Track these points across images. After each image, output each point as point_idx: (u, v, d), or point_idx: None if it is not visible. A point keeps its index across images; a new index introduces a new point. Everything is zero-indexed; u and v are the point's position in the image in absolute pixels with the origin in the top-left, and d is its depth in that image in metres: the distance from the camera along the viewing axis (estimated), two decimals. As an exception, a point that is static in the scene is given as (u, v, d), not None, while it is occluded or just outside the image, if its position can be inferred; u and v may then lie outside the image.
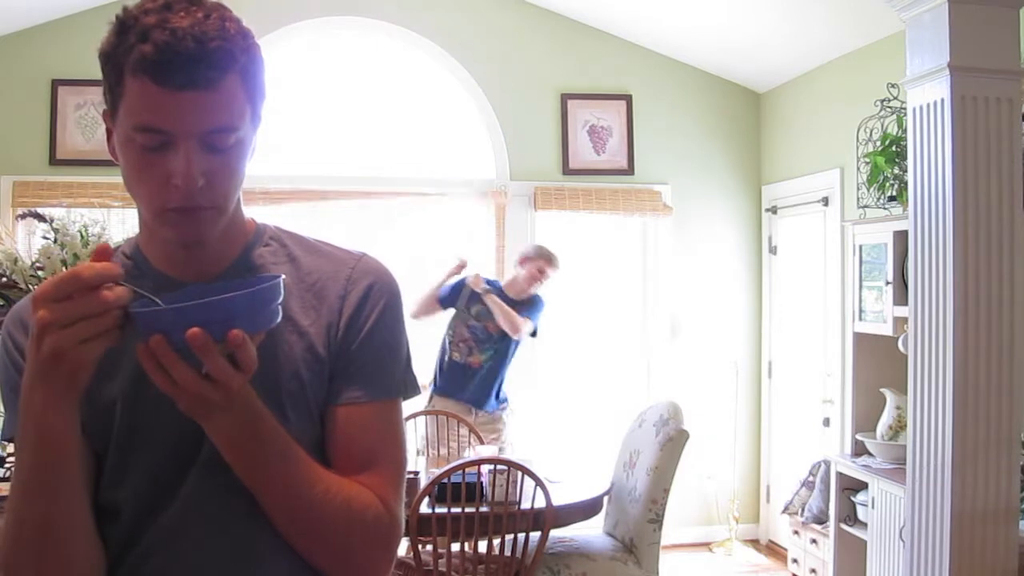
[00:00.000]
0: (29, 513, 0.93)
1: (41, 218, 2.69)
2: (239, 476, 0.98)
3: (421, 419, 4.37)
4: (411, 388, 1.12)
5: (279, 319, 0.92)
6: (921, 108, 2.83)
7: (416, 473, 3.43)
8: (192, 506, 1.01)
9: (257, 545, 1.02)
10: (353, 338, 1.07)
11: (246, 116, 0.99)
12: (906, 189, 3.18)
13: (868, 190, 3.85)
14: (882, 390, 3.82)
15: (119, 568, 1.01)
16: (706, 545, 5.27)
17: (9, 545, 0.95)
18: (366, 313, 1.07)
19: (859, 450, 3.92)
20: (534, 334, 4.46)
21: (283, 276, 0.94)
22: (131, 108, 0.94)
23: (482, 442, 4.22)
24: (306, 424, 1.04)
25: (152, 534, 1.01)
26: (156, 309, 0.87)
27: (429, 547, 3.16)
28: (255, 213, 1.16)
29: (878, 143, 3.81)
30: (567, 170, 5.19)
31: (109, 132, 1.02)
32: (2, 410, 1.06)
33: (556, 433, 5.10)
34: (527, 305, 4.39)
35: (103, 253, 0.87)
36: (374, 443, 1.06)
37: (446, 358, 4.41)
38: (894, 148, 3.69)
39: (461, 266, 4.46)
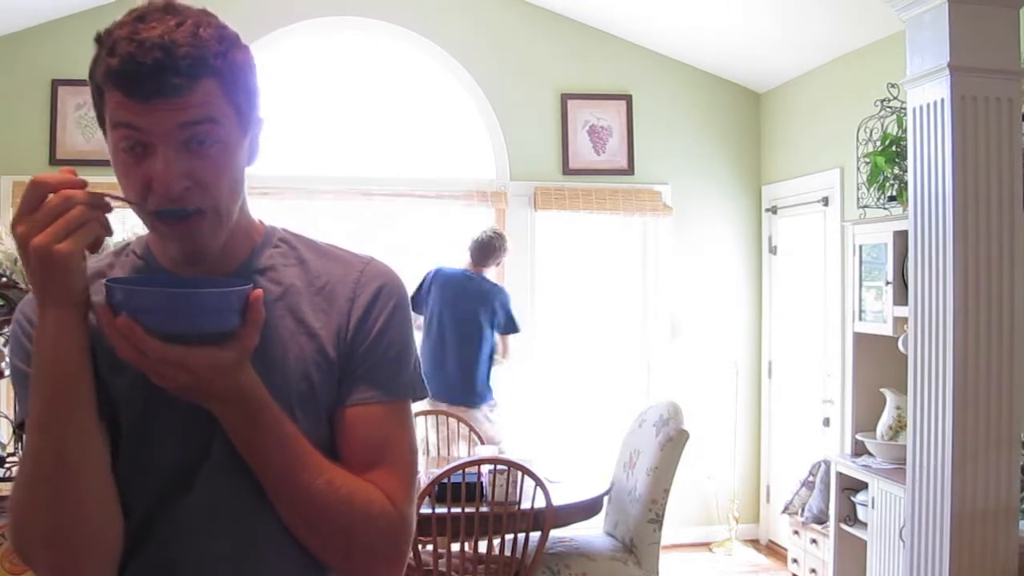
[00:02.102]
0: (42, 445, 0.93)
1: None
2: (249, 463, 0.99)
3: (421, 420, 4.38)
4: (419, 389, 1.13)
5: (231, 326, 0.93)
6: (921, 108, 2.83)
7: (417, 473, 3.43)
8: (202, 500, 1.01)
9: (266, 539, 1.03)
10: (362, 340, 1.08)
11: (228, 117, 0.98)
12: (906, 189, 3.18)
13: (868, 190, 3.85)
14: (882, 390, 3.82)
15: (130, 561, 1.02)
16: (706, 545, 5.27)
17: (22, 492, 0.95)
18: (375, 315, 1.09)
19: (859, 450, 3.92)
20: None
21: (250, 286, 0.95)
22: (110, 117, 0.97)
23: (482, 442, 4.23)
24: (315, 425, 1.05)
25: (162, 527, 1.02)
26: (112, 285, 0.92)
27: (429, 547, 3.16)
28: (254, 213, 1.16)
29: (878, 143, 3.81)
30: (567, 170, 5.19)
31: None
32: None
33: (556, 433, 5.10)
34: (506, 312, 4.58)
35: (68, 172, 0.93)
36: (383, 443, 1.07)
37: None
38: (894, 148, 3.69)
39: None
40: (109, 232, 0.92)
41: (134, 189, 0.98)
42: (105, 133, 1.00)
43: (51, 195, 0.90)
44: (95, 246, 0.91)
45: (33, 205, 0.90)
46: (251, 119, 1.04)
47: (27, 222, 0.89)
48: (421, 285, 4.52)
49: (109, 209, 0.92)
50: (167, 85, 0.92)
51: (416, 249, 5.14)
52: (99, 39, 0.96)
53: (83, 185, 0.92)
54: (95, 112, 1.01)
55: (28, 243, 0.89)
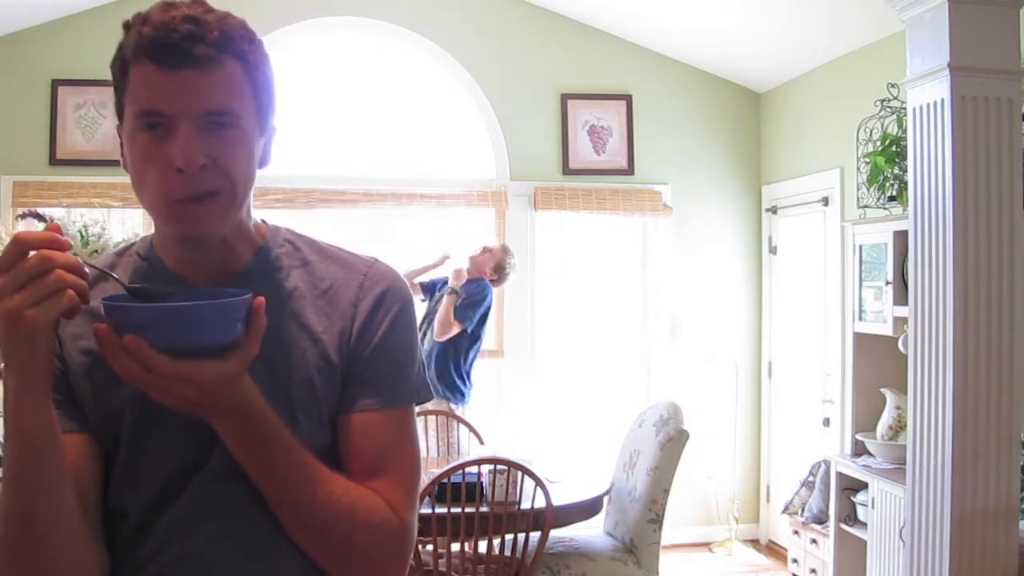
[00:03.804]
0: (10, 508, 0.92)
1: (41, 218, 2.70)
2: (248, 474, 0.98)
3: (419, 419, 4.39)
4: (423, 393, 1.12)
5: (235, 336, 0.92)
6: (921, 108, 2.83)
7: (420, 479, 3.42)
8: (201, 508, 1.01)
9: (266, 546, 1.02)
10: (366, 345, 1.07)
11: (249, 105, 0.99)
12: (906, 189, 3.18)
13: (868, 190, 3.85)
14: (882, 390, 3.82)
15: (126, 567, 1.01)
16: (706, 545, 5.27)
17: None
18: (379, 319, 1.07)
19: (859, 450, 3.92)
20: (472, 335, 4.54)
21: (250, 294, 0.93)
22: (133, 97, 0.96)
23: (481, 442, 4.23)
24: (317, 430, 1.04)
25: (160, 534, 1.01)
26: (112, 304, 0.89)
27: (429, 547, 3.16)
28: (255, 212, 1.15)
29: (878, 143, 3.81)
30: (567, 170, 5.19)
31: (122, 145, 1.02)
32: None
33: (556, 433, 5.10)
34: (468, 299, 4.49)
35: (53, 228, 0.89)
36: (387, 449, 1.06)
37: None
38: (894, 148, 3.69)
39: (444, 259, 4.69)
40: (85, 300, 0.88)
41: (156, 176, 0.96)
42: (122, 119, 1.00)
43: (31, 254, 0.86)
44: (70, 314, 0.87)
45: (10, 263, 0.86)
46: (268, 117, 1.05)
47: (1, 279, 0.86)
48: (487, 302, 4.56)
49: (87, 276, 0.89)
50: (196, 54, 0.94)
51: (416, 249, 5.14)
52: (127, 24, 0.97)
53: (66, 247, 0.88)
54: (115, 100, 1.00)
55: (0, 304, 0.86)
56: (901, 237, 3.55)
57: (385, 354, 1.07)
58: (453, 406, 4.50)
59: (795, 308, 5.11)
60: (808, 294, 4.94)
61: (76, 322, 1.02)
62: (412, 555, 1.10)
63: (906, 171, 3.23)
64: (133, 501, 1.01)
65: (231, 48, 0.96)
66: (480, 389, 4.83)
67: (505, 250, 4.62)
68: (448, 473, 3.06)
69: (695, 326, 5.34)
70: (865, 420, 3.95)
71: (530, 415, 5.09)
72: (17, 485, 0.91)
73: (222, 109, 0.96)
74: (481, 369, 4.83)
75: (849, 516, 3.94)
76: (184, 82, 0.94)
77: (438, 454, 4.31)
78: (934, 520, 2.77)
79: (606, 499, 3.63)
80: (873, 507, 3.64)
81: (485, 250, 4.60)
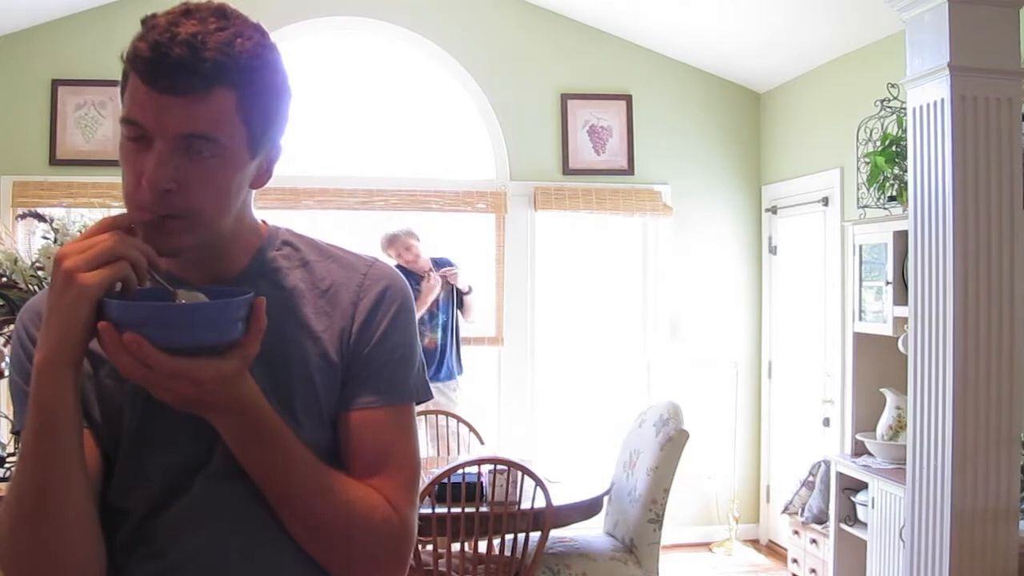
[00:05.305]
0: (26, 484, 0.92)
1: (41, 218, 2.69)
2: (248, 472, 0.98)
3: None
4: (423, 392, 1.12)
5: (236, 335, 0.92)
6: (921, 108, 2.83)
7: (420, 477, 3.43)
8: (203, 506, 1.01)
9: (267, 544, 1.02)
10: (366, 343, 1.07)
11: (235, 134, 0.96)
12: (906, 189, 3.18)
13: (868, 190, 3.86)
14: (882, 390, 3.82)
15: (127, 566, 1.01)
16: (706, 545, 5.27)
17: (5, 523, 0.94)
18: (379, 318, 1.08)
19: (859, 450, 3.92)
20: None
21: (251, 294, 0.93)
22: (125, 99, 0.96)
23: (481, 441, 4.23)
24: (318, 429, 1.04)
25: (161, 533, 1.01)
26: (113, 301, 0.89)
27: (429, 547, 3.16)
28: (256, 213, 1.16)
29: (878, 143, 3.81)
30: (567, 170, 5.19)
31: None
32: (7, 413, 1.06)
33: (556, 433, 5.11)
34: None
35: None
36: (387, 448, 1.06)
37: None
38: (894, 148, 3.69)
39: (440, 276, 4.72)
40: (142, 278, 0.90)
41: (128, 183, 0.96)
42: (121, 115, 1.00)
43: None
44: (121, 286, 0.89)
45: (90, 235, 0.90)
46: (264, 143, 1.02)
47: (73, 246, 0.90)
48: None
49: (154, 260, 0.92)
50: (182, 83, 0.91)
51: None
52: (143, 21, 0.95)
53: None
54: (121, 94, 0.99)
55: (64, 261, 0.88)
56: (901, 237, 3.55)
57: (385, 352, 1.07)
58: (454, 391, 4.59)
59: (795, 308, 5.11)
60: (808, 294, 4.94)
61: None
62: (412, 554, 1.10)
63: (906, 171, 3.23)
64: (134, 500, 1.01)
65: (224, 78, 0.92)
66: (481, 389, 4.84)
67: (399, 241, 4.65)
68: (448, 473, 3.06)
69: (695, 326, 5.34)
70: (865, 420, 3.95)
71: (530, 415, 5.09)
72: (33, 462, 0.92)
73: (202, 135, 0.94)
74: (482, 369, 4.84)
75: (849, 516, 3.94)
76: (167, 106, 0.92)
77: (438, 453, 4.31)
78: (934, 520, 2.77)
79: (606, 499, 3.63)
80: (873, 507, 3.64)
81: (406, 252, 4.65)
